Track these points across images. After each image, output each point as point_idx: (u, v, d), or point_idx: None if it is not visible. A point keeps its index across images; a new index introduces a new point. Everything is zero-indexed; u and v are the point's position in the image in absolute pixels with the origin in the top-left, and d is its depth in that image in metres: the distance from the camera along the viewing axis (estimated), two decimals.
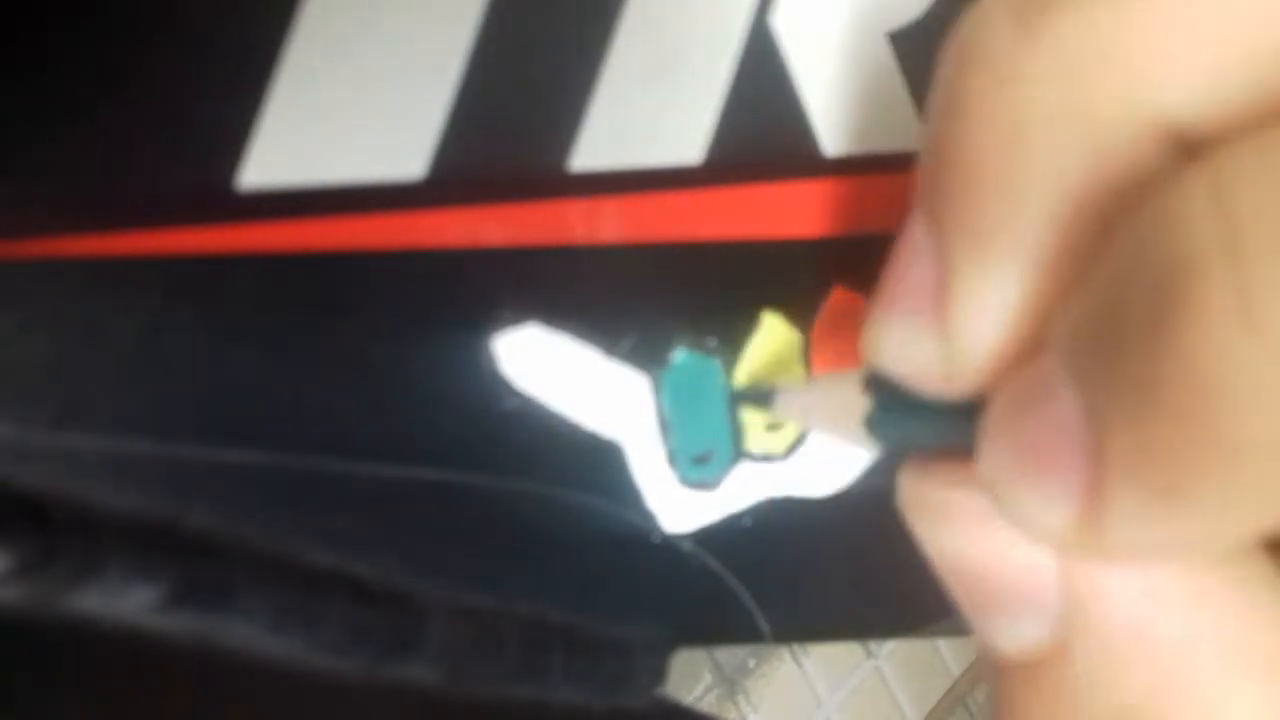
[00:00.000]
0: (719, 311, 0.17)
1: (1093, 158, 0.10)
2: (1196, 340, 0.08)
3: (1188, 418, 0.08)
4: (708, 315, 0.17)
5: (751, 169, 0.17)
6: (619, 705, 0.17)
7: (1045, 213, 0.11)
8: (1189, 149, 0.10)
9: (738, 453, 0.18)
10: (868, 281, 0.18)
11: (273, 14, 0.14)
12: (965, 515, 0.12)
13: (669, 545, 0.18)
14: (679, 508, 0.17)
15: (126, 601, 0.13)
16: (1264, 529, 0.09)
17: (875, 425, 0.14)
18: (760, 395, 0.17)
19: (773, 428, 0.18)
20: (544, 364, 0.16)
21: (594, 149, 0.16)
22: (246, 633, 0.14)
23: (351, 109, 0.15)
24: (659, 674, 0.18)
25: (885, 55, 0.18)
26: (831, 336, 0.18)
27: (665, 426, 0.17)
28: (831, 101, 0.18)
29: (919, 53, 0.18)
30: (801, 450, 0.18)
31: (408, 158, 0.15)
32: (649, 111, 0.16)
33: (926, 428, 0.13)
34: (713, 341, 0.17)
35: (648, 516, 0.17)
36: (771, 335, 0.17)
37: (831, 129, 0.18)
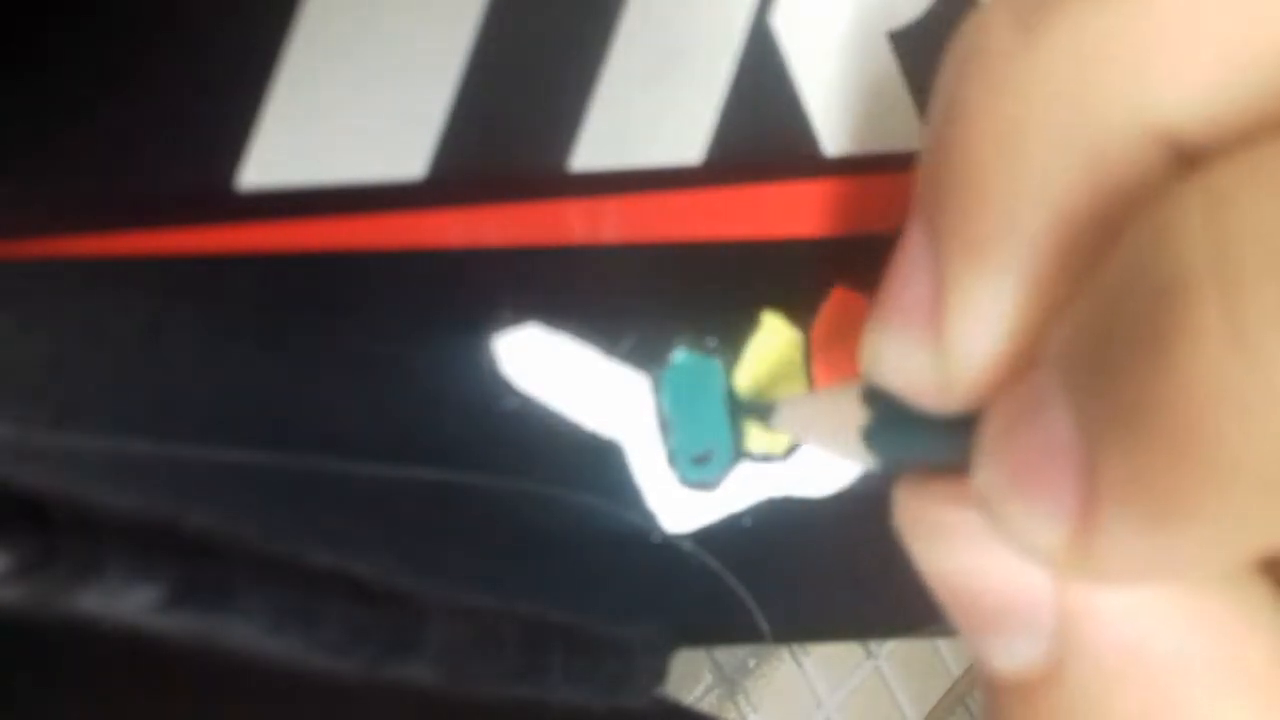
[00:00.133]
0: (719, 311, 0.17)
1: (1091, 165, 0.10)
2: (1187, 363, 0.08)
3: (1179, 442, 0.08)
4: (708, 315, 0.17)
5: (751, 169, 0.17)
6: (619, 705, 0.17)
7: (1042, 222, 0.10)
8: (1188, 157, 0.10)
9: (738, 453, 0.18)
10: (868, 281, 0.18)
11: (273, 14, 0.14)
12: (961, 533, 0.12)
13: (669, 545, 0.18)
14: (679, 508, 0.17)
15: (126, 601, 0.13)
16: (1259, 552, 0.09)
17: (873, 439, 0.14)
18: (761, 408, 0.16)
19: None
20: (544, 364, 0.16)
21: (594, 149, 0.16)
22: (246, 633, 0.14)
23: (351, 109, 0.15)
24: (659, 674, 0.18)
25: (885, 55, 0.18)
26: (832, 336, 0.18)
27: (665, 426, 0.17)
28: (831, 101, 0.18)
29: (919, 53, 0.18)
30: (801, 450, 0.18)
31: (408, 158, 0.15)
32: (649, 111, 0.16)
33: (923, 442, 0.13)
34: (713, 341, 0.17)
35: (648, 516, 0.17)
36: (771, 335, 0.17)
37: (831, 129, 0.18)
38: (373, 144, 0.15)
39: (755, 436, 0.18)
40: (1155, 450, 0.09)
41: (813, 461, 0.18)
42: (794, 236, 0.18)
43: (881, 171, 0.18)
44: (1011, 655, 0.12)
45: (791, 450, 0.18)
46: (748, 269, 0.17)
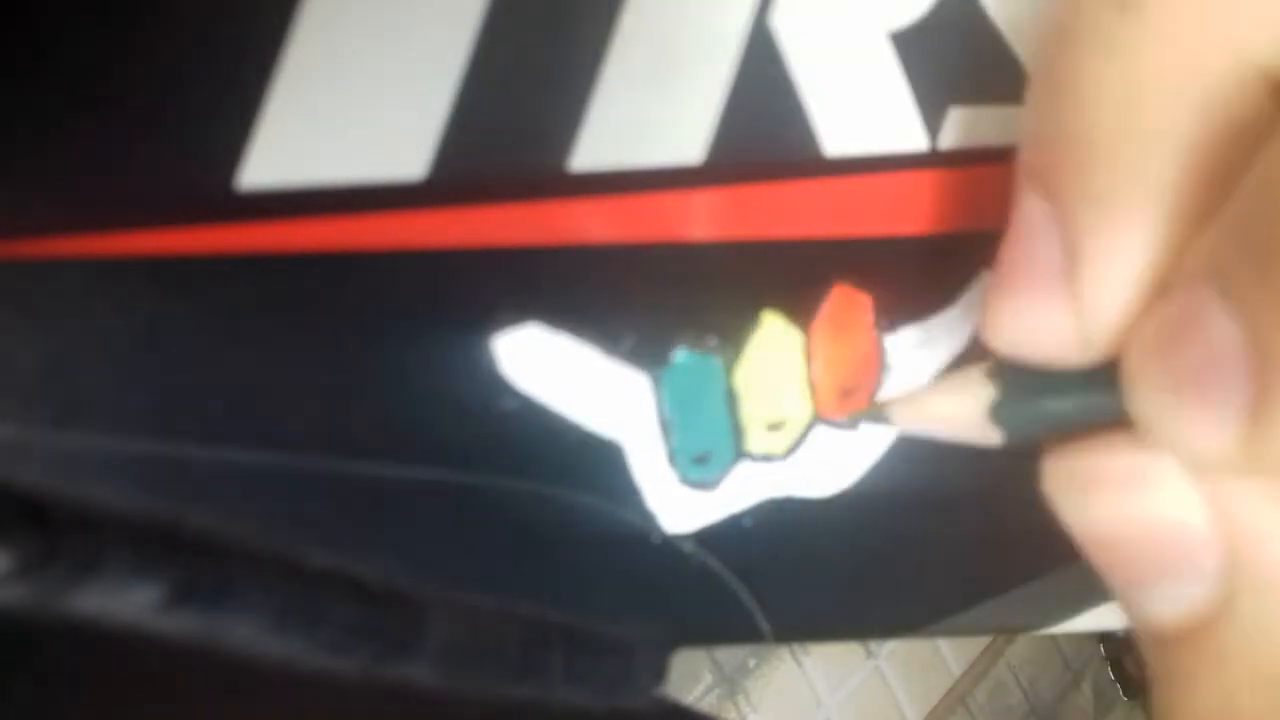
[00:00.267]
0: (719, 311, 0.17)
1: (1204, 112, 0.11)
2: None
3: None
4: (708, 315, 0.17)
5: (751, 169, 0.17)
6: (619, 705, 0.17)
7: (1167, 169, 0.12)
8: None
9: (738, 453, 0.18)
10: (868, 281, 0.18)
11: (273, 14, 0.14)
12: (1115, 481, 0.13)
13: (669, 545, 0.18)
14: (679, 508, 0.17)
15: (126, 601, 0.13)
16: None
17: (1002, 413, 0.14)
18: (875, 414, 0.17)
19: (773, 428, 0.18)
20: (544, 364, 0.16)
21: (594, 149, 0.16)
22: (247, 633, 0.14)
23: (351, 109, 0.15)
24: (659, 674, 0.18)
25: (886, 55, 0.18)
26: (832, 336, 0.18)
27: (665, 426, 0.17)
28: (831, 101, 0.18)
29: (919, 53, 0.18)
30: (801, 450, 0.18)
31: (408, 158, 0.15)
32: (649, 111, 0.16)
33: (1060, 403, 0.14)
34: (713, 341, 0.17)
35: (648, 516, 0.17)
36: (771, 335, 0.17)
37: (831, 129, 0.18)
38: (373, 144, 0.15)
39: (755, 436, 0.18)
40: None
41: (813, 461, 0.18)
42: (794, 236, 0.18)
43: (882, 171, 0.18)
44: (1177, 600, 0.12)
45: (792, 450, 0.18)
46: (748, 269, 0.17)
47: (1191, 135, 0.11)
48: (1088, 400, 0.13)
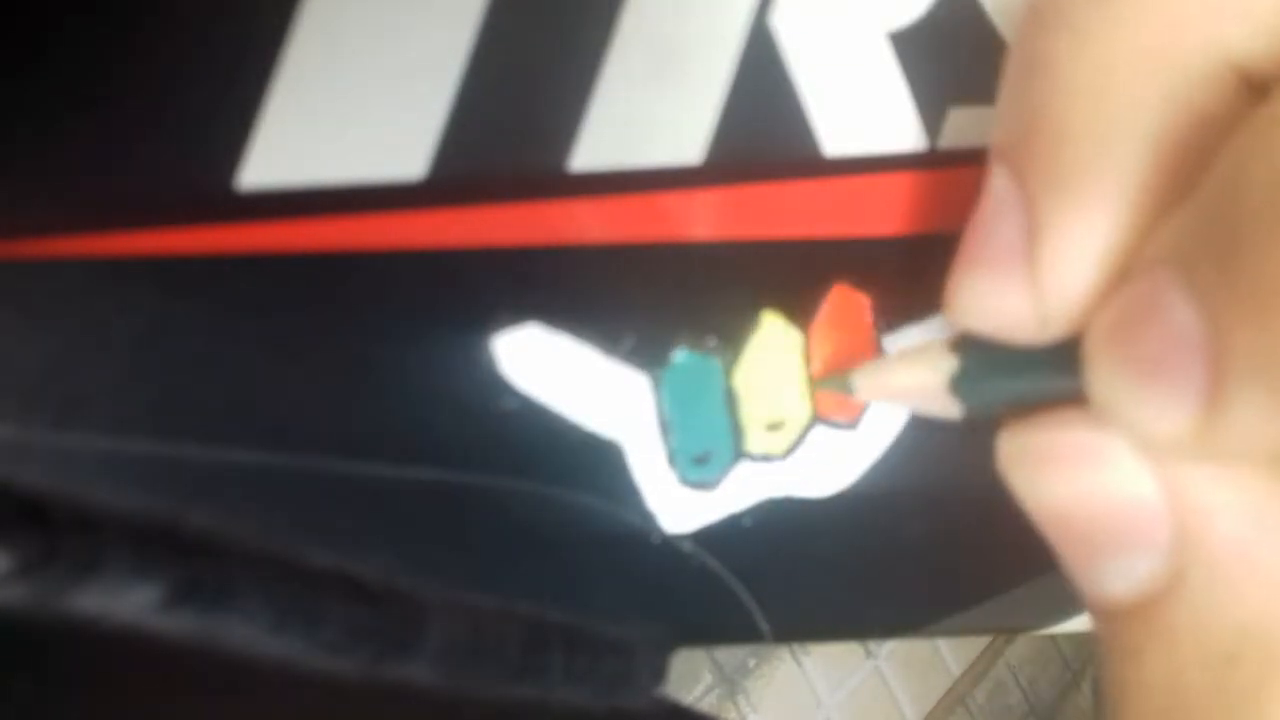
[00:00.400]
0: (719, 311, 0.17)
1: (1173, 99, 0.11)
2: None
3: None
4: (708, 315, 0.17)
5: (751, 169, 0.17)
6: (619, 705, 0.17)
7: (1133, 153, 0.12)
8: (1257, 88, 0.11)
9: (738, 453, 0.18)
10: (867, 281, 0.18)
11: (273, 14, 0.14)
12: (1068, 457, 0.13)
13: (669, 545, 0.18)
14: (679, 508, 0.17)
15: (126, 601, 0.13)
16: None
17: (962, 386, 0.14)
18: (839, 383, 0.17)
19: (773, 428, 0.18)
20: (544, 364, 0.16)
21: (594, 149, 0.16)
22: (247, 633, 0.14)
23: (351, 109, 0.15)
24: (659, 674, 0.18)
25: (885, 55, 0.18)
26: (831, 336, 0.18)
27: (665, 426, 0.17)
28: (831, 101, 0.18)
29: (919, 53, 0.18)
30: (801, 450, 0.18)
31: (408, 158, 0.15)
32: (649, 111, 0.16)
33: (1018, 379, 0.14)
34: (713, 341, 0.17)
35: (648, 516, 0.17)
36: (771, 335, 0.18)
37: (831, 129, 0.18)
38: (373, 144, 0.15)
39: (755, 436, 0.18)
40: None
41: (813, 461, 0.18)
42: (794, 236, 0.18)
43: (881, 172, 0.18)
44: (1128, 575, 0.12)
45: (792, 450, 0.18)
46: (747, 269, 0.17)
47: (1159, 123, 0.12)
48: (1046, 378, 0.13)
